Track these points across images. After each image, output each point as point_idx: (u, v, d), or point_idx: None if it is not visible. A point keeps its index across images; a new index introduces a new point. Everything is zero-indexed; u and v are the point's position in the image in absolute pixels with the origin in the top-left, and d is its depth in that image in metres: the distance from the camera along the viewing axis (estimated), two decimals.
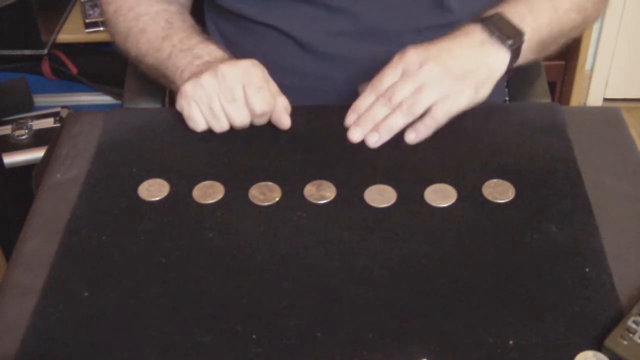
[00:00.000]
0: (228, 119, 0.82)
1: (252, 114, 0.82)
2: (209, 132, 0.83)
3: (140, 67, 0.96)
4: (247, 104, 0.81)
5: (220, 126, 0.82)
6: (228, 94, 0.81)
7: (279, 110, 0.83)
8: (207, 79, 0.81)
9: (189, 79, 0.83)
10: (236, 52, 0.89)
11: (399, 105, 0.80)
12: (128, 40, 0.94)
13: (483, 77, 0.82)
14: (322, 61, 0.94)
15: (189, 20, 0.95)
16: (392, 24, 0.92)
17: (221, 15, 0.99)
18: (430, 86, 0.80)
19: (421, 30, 0.93)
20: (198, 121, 0.82)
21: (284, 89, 0.97)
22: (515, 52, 0.83)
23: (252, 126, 0.84)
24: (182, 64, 0.86)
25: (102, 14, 1.00)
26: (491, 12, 0.85)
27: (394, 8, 0.92)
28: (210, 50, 0.87)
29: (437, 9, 0.92)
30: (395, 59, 0.82)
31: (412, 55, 0.81)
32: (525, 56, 0.86)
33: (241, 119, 0.82)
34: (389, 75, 0.82)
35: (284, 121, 0.84)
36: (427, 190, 0.75)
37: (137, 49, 0.92)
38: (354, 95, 0.93)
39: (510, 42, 0.82)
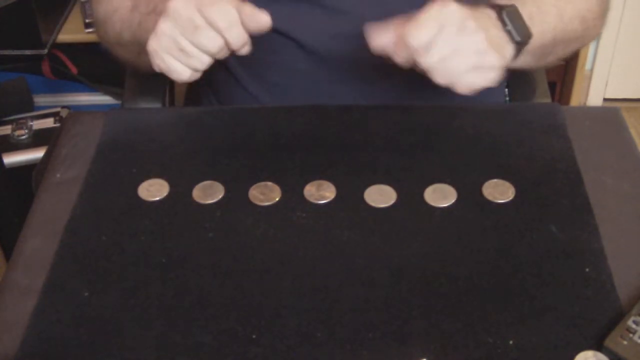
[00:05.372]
0: (201, 50, 0.78)
1: (219, 32, 0.76)
2: (209, 132, 0.83)
3: (125, 56, 0.91)
4: (210, 24, 0.77)
5: (201, 62, 0.79)
6: (188, 26, 0.77)
7: (249, 11, 0.77)
8: (163, 24, 0.78)
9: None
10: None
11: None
12: (107, 26, 0.90)
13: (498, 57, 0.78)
14: (321, 62, 0.94)
15: None
16: None
17: None
18: (464, 54, 0.75)
19: None
20: (179, 70, 0.79)
21: (284, 88, 0.97)
22: (518, 51, 0.82)
23: (251, 124, 0.84)
24: (150, 27, 0.80)
25: (94, 17, 0.97)
26: (505, 1, 0.81)
27: (393, 9, 0.92)
28: None
29: None
30: (434, 11, 0.75)
31: (455, 13, 0.75)
32: (525, 59, 0.84)
33: (212, 44, 0.77)
34: (427, 30, 0.75)
35: (260, 16, 0.78)
36: (427, 190, 0.75)
37: (113, 30, 0.89)
38: (352, 96, 0.93)
39: (518, 39, 0.80)
